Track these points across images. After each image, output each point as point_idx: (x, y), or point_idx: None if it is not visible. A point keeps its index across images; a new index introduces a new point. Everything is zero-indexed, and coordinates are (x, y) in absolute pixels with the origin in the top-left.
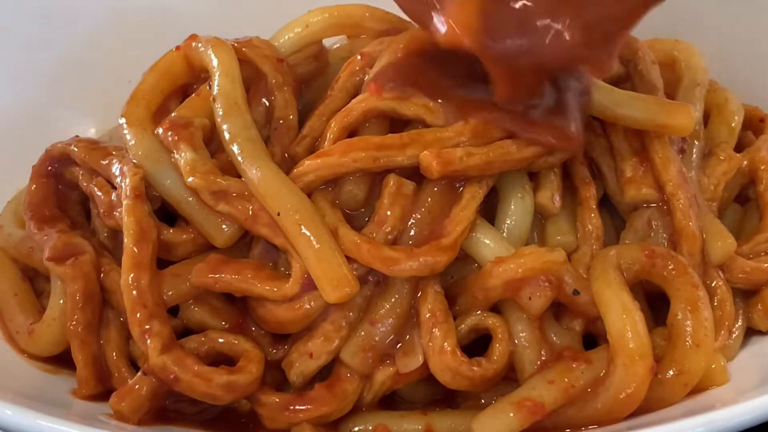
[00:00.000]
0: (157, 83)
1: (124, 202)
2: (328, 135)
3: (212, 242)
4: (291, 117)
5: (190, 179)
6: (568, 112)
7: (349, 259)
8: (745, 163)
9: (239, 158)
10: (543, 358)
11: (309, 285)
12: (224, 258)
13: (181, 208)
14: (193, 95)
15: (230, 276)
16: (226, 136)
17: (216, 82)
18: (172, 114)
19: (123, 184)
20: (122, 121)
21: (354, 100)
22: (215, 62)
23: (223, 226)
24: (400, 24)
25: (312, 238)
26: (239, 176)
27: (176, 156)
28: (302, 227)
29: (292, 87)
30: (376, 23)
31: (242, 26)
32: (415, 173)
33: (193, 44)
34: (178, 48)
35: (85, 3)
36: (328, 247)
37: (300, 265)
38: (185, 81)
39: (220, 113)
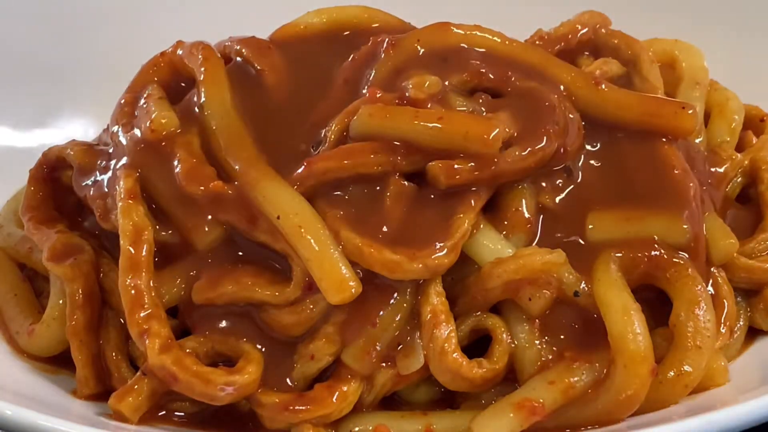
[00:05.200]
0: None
1: (119, 204)
2: (330, 137)
3: (194, 246)
4: (287, 113)
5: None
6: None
7: (351, 263)
8: (746, 162)
9: (235, 166)
10: (543, 359)
11: (311, 288)
12: (221, 270)
13: (170, 211)
14: (185, 100)
15: (231, 287)
16: (220, 142)
17: (203, 89)
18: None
19: (118, 187)
20: (115, 128)
21: (355, 102)
22: (200, 69)
23: (206, 228)
24: (399, 26)
25: (312, 240)
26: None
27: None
28: (302, 230)
29: (288, 85)
30: (375, 24)
31: (241, 27)
32: (416, 175)
33: (178, 51)
34: (162, 54)
35: (84, 3)
36: (328, 249)
37: (301, 268)
38: (172, 86)
39: (211, 120)
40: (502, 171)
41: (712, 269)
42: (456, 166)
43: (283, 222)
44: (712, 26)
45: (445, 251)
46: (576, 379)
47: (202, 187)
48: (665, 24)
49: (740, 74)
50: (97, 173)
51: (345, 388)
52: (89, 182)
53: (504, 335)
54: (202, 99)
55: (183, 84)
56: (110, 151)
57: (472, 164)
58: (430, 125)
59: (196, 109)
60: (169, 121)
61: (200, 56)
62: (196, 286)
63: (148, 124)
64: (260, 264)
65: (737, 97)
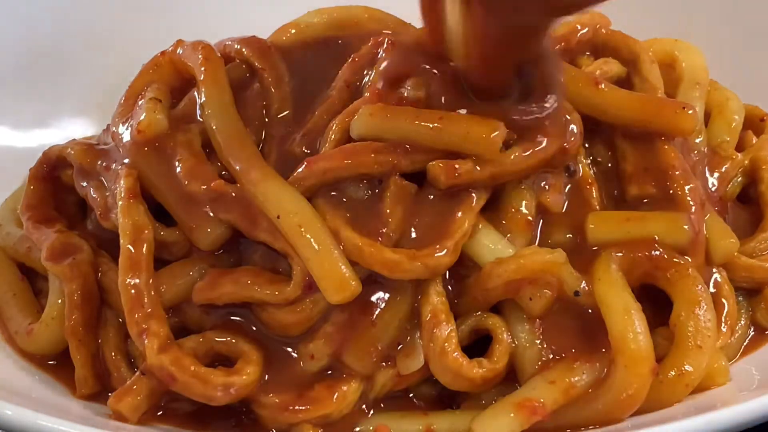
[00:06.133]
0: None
1: (119, 203)
2: (330, 136)
3: (196, 245)
4: (287, 113)
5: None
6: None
7: (351, 262)
8: (747, 162)
9: (235, 165)
10: (544, 359)
11: (311, 287)
12: (220, 270)
13: (172, 210)
14: (185, 99)
15: (231, 287)
16: (220, 142)
17: (203, 89)
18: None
19: (118, 186)
20: (115, 127)
21: (355, 102)
22: (200, 68)
23: (208, 228)
24: (399, 25)
25: (312, 240)
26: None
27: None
28: (302, 229)
29: (288, 85)
30: (375, 24)
31: (241, 26)
32: (416, 175)
33: (179, 50)
34: (163, 53)
35: (84, 3)
36: (329, 248)
37: (301, 267)
38: (175, 85)
39: (211, 120)
40: (502, 171)
41: (712, 269)
42: (456, 166)
43: (283, 221)
44: (712, 26)
45: (445, 251)
46: (576, 378)
47: (204, 186)
48: (665, 24)
49: (740, 74)
50: (98, 172)
51: (345, 388)
52: (90, 181)
53: (504, 335)
54: (203, 98)
55: (184, 83)
56: (111, 150)
57: (473, 164)
58: (431, 125)
59: (197, 109)
60: (154, 123)
61: (200, 56)
62: (197, 286)
63: (135, 126)
64: (260, 263)
65: (737, 97)
